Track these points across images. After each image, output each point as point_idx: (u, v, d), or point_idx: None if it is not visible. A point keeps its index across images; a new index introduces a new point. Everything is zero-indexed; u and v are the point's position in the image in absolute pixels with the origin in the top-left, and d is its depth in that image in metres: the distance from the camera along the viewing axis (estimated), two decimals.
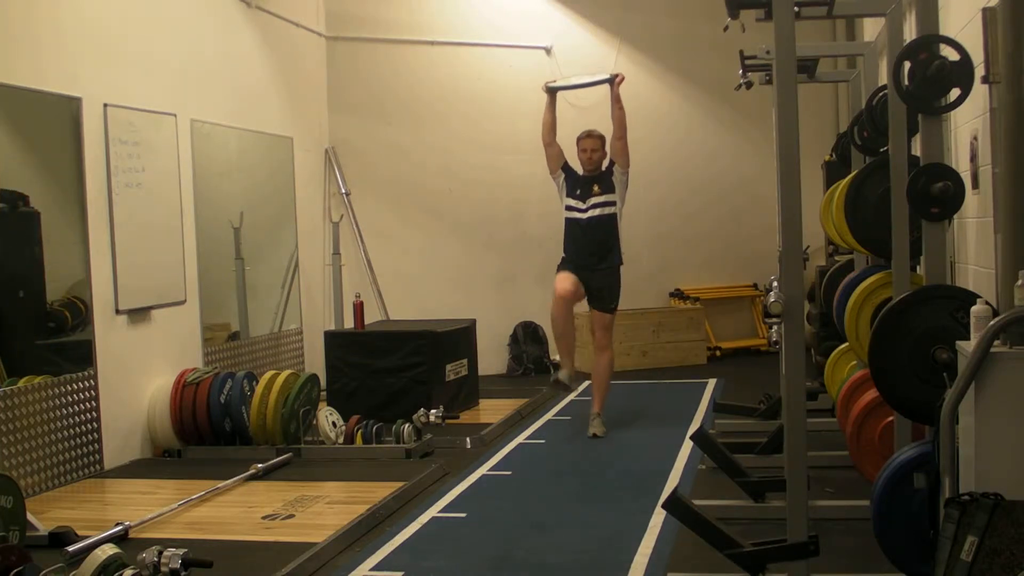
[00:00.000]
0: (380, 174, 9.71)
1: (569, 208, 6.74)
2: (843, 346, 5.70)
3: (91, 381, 5.91)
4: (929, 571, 2.84)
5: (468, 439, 6.47)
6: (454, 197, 9.78)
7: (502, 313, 9.63)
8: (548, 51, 9.71)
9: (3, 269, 5.74)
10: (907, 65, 3.47)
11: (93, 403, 5.91)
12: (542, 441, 6.58)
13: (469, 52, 9.77)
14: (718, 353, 9.89)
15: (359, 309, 7.63)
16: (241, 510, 4.97)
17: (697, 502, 3.87)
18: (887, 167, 4.21)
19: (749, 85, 5.79)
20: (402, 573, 4.07)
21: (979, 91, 3.49)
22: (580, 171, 6.78)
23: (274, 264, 8.49)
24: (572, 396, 8.09)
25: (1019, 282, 2.78)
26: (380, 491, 5.10)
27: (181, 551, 3.61)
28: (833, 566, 3.65)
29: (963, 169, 4.37)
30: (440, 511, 4.96)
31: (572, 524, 4.69)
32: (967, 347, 2.82)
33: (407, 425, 6.08)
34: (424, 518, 4.83)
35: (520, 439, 6.65)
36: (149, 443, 6.40)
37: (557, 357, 9.59)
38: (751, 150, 9.88)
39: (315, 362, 8.35)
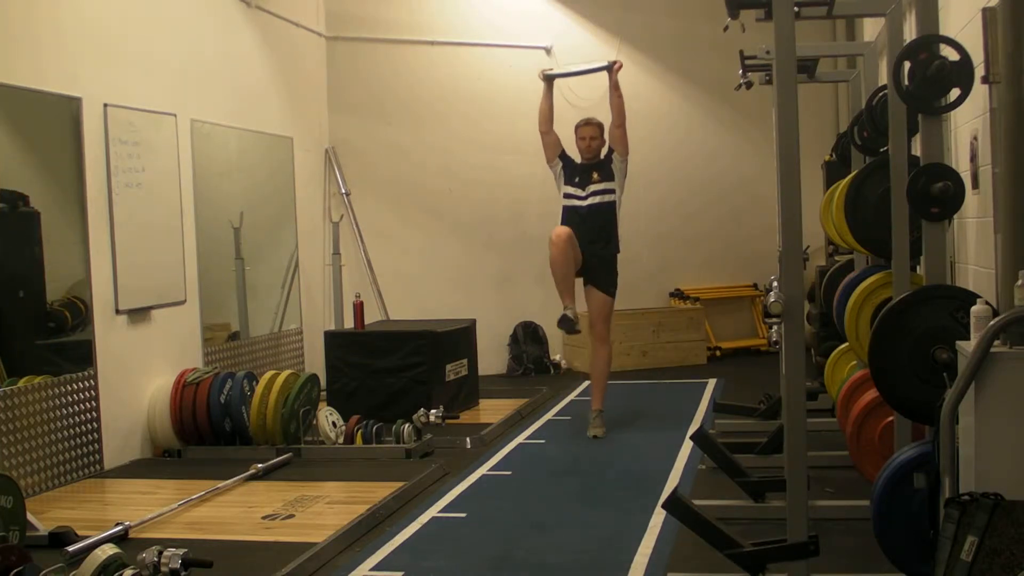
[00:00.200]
0: (380, 174, 9.71)
1: (568, 196, 6.71)
2: (843, 346, 5.70)
3: (91, 381, 5.91)
4: (929, 571, 2.84)
5: (468, 439, 6.47)
6: (454, 197, 9.78)
7: (502, 313, 9.63)
8: (548, 51, 9.71)
9: (3, 269, 5.74)
10: (907, 65, 3.48)
11: (93, 403, 5.91)
12: (542, 441, 6.58)
13: (469, 52, 9.77)
14: (718, 353, 9.89)
15: (359, 309, 7.63)
16: (241, 510, 4.97)
17: (697, 502, 3.87)
18: (887, 167, 4.21)
19: (749, 85, 5.79)
20: (402, 573, 4.07)
21: (979, 91, 3.49)
22: (578, 159, 6.77)
23: (274, 264, 8.49)
24: (572, 396, 8.09)
25: (1019, 282, 2.78)
26: (380, 491, 5.10)
27: (181, 551, 3.62)
28: (833, 566, 3.65)
29: (963, 169, 4.37)
30: (440, 511, 4.96)
31: (572, 524, 4.69)
32: (967, 347, 2.82)
33: (407, 425, 6.08)
34: (424, 518, 4.83)
35: (520, 439, 6.65)
36: (149, 443, 6.40)
37: (557, 356, 9.68)
38: (751, 150, 9.88)
39: (315, 362, 8.35)
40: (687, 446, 5.95)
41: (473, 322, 8.06)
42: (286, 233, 8.63)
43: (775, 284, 3.77)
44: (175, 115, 6.84)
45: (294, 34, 8.90)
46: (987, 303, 2.98)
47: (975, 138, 4.22)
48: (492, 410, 7.52)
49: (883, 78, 4.83)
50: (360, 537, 4.51)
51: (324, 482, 5.48)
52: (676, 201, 10.07)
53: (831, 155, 7.39)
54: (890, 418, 4.15)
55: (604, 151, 6.73)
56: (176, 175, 6.84)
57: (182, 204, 6.89)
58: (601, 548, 4.29)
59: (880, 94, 4.64)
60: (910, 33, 4.24)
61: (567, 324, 6.42)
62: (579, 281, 6.71)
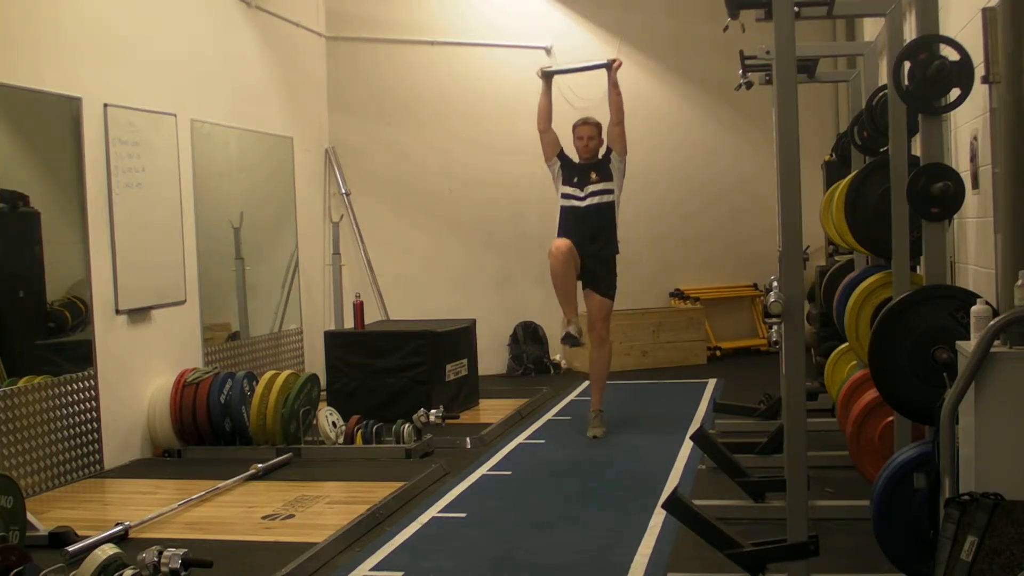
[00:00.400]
0: (380, 174, 9.71)
1: (566, 196, 6.65)
2: (843, 346, 5.70)
3: (91, 381, 5.91)
4: (929, 571, 2.84)
5: (468, 439, 6.46)
6: (454, 197, 9.78)
7: (502, 313, 9.63)
8: (548, 51, 9.71)
9: (3, 269, 5.74)
10: (907, 65, 3.48)
11: (93, 403, 5.91)
12: (542, 441, 6.58)
13: (469, 52, 9.77)
14: (718, 353, 9.89)
15: (359, 309, 7.63)
16: (241, 510, 4.97)
17: (697, 502, 3.87)
18: (887, 167, 4.21)
19: (749, 85, 5.79)
20: (402, 573, 4.07)
21: (979, 91, 3.49)
22: (576, 159, 6.72)
23: (274, 264, 8.49)
24: (572, 396, 8.09)
25: (1019, 282, 2.79)
26: (380, 491, 5.10)
27: (181, 551, 3.62)
28: (833, 566, 3.65)
29: (963, 169, 4.37)
30: (440, 511, 4.96)
31: (572, 524, 4.69)
32: (967, 347, 2.82)
33: (407, 425, 6.08)
34: (424, 518, 4.83)
35: (520, 439, 6.65)
36: (149, 443, 6.41)
37: (557, 356, 9.67)
38: (751, 150, 9.88)
39: (315, 362, 8.35)
40: (687, 446, 5.95)
41: (473, 322, 8.06)
42: (286, 233, 8.63)
43: (775, 284, 3.77)
44: (175, 115, 6.84)
45: (294, 34, 8.90)
46: (987, 303, 2.98)
47: (975, 138, 4.22)
48: (492, 410, 7.52)
49: (883, 78, 4.83)
50: (360, 537, 4.51)
51: (324, 482, 5.48)
52: (676, 201, 10.07)
53: (831, 155, 7.39)
54: (890, 418, 4.15)
55: (602, 151, 6.69)
56: (176, 175, 6.84)
57: (182, 204, 6.89)
58: (601, 548, 4.29)
59: (880, 94, 4.64)
60: (910, 33, 4.24)
61: (571, 340, 6.40)
62: (578, 283, 6.70)
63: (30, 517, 4.32)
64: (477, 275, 9.76)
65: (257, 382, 6.32)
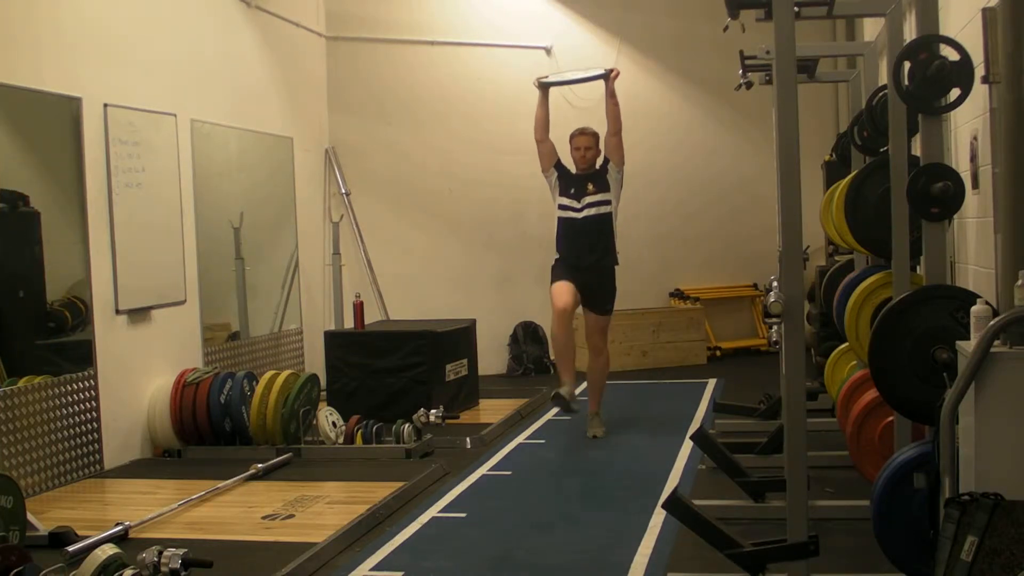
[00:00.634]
0: (380, 174, 9.71)
1: (563, 207, 6.57)
2: (843, 346, 5.70)
3: (91, 381, 5.91)
4: (929, 571, 2.84)
5: (468, 439, 6.46)
6: (454, 197, 9.78)
7: (502, 313, 9.63)
8: (548, 51, 9.71)
9: (3, 269, 5.74)
10: (907, 65, 3.47)
11: (93, 403, 5.91)
12: (542, 441, 6.58)
13: (469, 52, 9.77)
14: (718, 353, 9.89)
15: (359, 309, 7.63)
16: (241, 510, 4.97)
17: (697, 502, 3.87)
18: (887, 167, 4.21)
19: (749, 85, 5.79)
20: (402, 573, 4.07)
21: (979, 91, 3.49)
22: (573, 169, 6.64)
23: (274, 264, 8.49)
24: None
25: (1019, 282, 2.79)
26: (380, 491, 5.10)
27: (181, 551, 3.61)
28: (833, 566, 3.65)
29: (963, 169, 4.37)
30: (440, 511, 4.96)
31: (572, 524, 4.69)
32: (967, 347, 2.82)
33: (407, 425, 6.08)
34: (424, 518, 4.83)
35: (520, 439, 6.65)
36: (149, 443, 6.41)
37: None
38: (751, 150, 9.88)
39: (315, 362, 8.35)
40: (687, 446, 5.95)
41: (473, 322, 8.06)
42: (286, 233, 8.63)
43: (775, 284, 3.77)
44: (175, 115, 6.84)
45: (294, 34, 8.90)
46: (987, 303, 2.98)
47: (975, 138, 4.22)
48: (492, 410, 7.52)
49: (883, 78, 4.83)
50: (360, 537, 4.51)
51: (324, 482, 5.48)
52: (676, 201, 10.07)
53: (831, 155, 7.39)
54: (890, 418, 4.15)
55: (600, 161, 6.59)
56: (176, 175, 6.84)
57: (182, 204, 6.89)
58: (601, 548, 4.29)
59: (880, 94, 4.64)
60: (910, 33, 4.24)
61: (560, 403, 6.25)
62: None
63: (30, 517, 4.32)
64: (477, 275, 9.76)
65: (257, 382, 6.32)
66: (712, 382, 8.49)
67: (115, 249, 6.14)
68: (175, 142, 6.84)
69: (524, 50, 9.66)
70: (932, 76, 3.42)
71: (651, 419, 7.15)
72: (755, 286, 10.14)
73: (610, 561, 4.10)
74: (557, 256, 6.63)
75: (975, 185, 4.22)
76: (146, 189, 6.46)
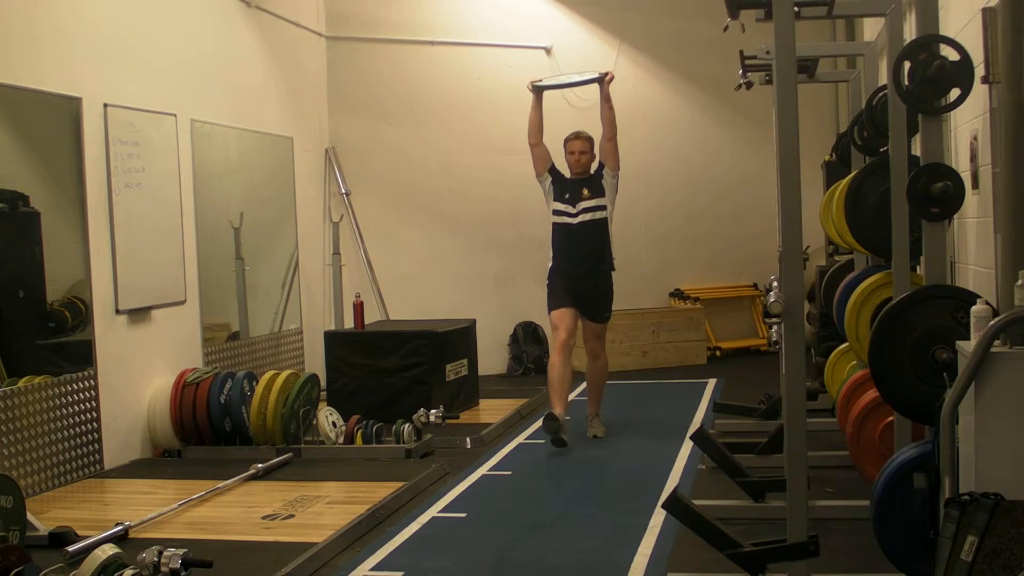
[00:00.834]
0: (380, 174, 9.71)
1: (557, 213, 6.47)
2: (843, 346, 5.70)
3: (91, 381, 5.91)
4: (929, 571, 2.84)
5: (468, 439, 6.47)
6: (454, 197, 9.78)
7: (502, 313, 9.63)
8: (548, 51, 9.71)
9: (3, 269, 5.73)
10: (907, 65, 3.47)
11: (93, 403, 5.91)
12: (542, 441, 6.56)
13: (469, 52, 9.77)
14: (718, 353, 9.89)
15: (359, 309, 7.63)
16: (241, 510, 4.97)
17: (697, 502, 3.87)
18: (887, 167, 4.21)
19: (749, 85, 5.79)
20: (402, 573, 4.07)
21: (979, 91, 3.49)
22: (568, 174, 6.56)
23: (274, 264, 8.49)
24: (573, 396, 8.06)
25: (1019, 282, 2.79)
26: (380, 491, 5.10)
27: (181, 551, 3.61)
28: (833, 566, 3.65)
29: (963, 169, 4.37)
30: (440, 511, 4.96)
31: (572, 524, 4.69)
32: (967, 347, 2.82)
33: (407, 425, 6.08)
34: (424, 518, 4.83)
35: (520, 439, 6.65)
36: (149, 443, 6.40)
37: None
38: (751, 150, 9.88)
39: (315, 362, 8.35)
40: (687, 446, 5.95)
41: (473, 322, 8.06)
42: (286, 233, 8.63)
43: (775, 284, 3.77)
44: (175, 115, 6.84)
45: (294, 34, 8.91)
46: (987, 303, 2.98)
47: (975, 138, 4.22)
48: (492, 410, 7.52)
49: (883, 78, 4.83)
50: (360, 537, 4.51)
51: (324, 482, 5.48)
52: (676, 201, 10.07)
53: (831, 155, 7.39)
54: (890, 418, 4.15)
55: (594, 166, 6.51)
56: (176, 175, 6.84)
57: (182, 204, 6.89)
58: (601, 548, 4.29)
59: (880, 94, 4.65)
60: (910, 33, 4.24)
61: (552, 425, 6.01)
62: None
63: (30, 517, 4.32)
64: (477, 275, 9.76)
65: (257, 382, 6.32)
66: (712, 382, 8.49)
67: (115, 249, 6.14)
68: (175, 142, 6.84)
69: (524, 50, 9.66)
70: (932, 76, 3.42)
71: (651, 419, 7.15)
72: (755, 286, 10.14)
73: (610, 561, 4.10)
74: (552, 264, 6.53)
75: (975, 185, 4.22)
76: (146, 189, 6.46)
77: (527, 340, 9.72)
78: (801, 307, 3.32)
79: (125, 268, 6.20)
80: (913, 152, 4.24)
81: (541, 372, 9.48)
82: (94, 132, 6.01)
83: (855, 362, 5.33)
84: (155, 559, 3.58)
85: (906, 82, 3.50)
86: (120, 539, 4.32)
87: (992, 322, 2.72)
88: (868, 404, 4.33)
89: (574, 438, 6.53)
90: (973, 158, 4.27)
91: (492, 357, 9.39)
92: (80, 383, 5.83)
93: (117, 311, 6.18)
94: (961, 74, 3.42)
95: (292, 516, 4.79)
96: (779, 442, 4.59)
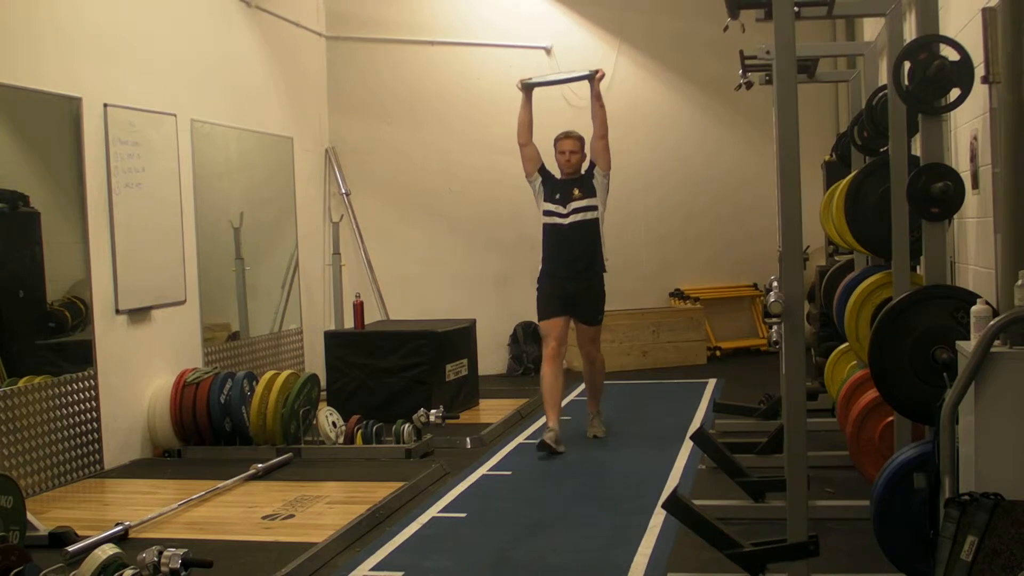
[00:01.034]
0: (380, 174, 9.71)
1: (548, 213, 6.34)
2: (843, 346, 5.70)
3: (91, 381, 5.91)
4: (929, 571, 2.84)
5: (468, 439, 6.47)
6: (454, 197, 9.78)
7: (502, 313, 9.63)
8: (548, 51, 9.71)
9: (3, 269, 5.73)
10: (907, 65, 3.47)
11: (93, 403, 5.91)
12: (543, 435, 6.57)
13: (469, 52, 9.77)
14: (718, 353, 9.89)
15: (359, 309, 7.63)
16: (241, 510, 4.97)
17: (697, 502, 3.87)
18: (887, 167, 4.21)
19: (749, 85, 5.79)
20: (402, 573, 4.07)
21: (979, 91, 3.49)
22: (558, 174, 6.42)
23: (274, 264, 8.49)
24: (572, 396, 8.09)
25: (1019, 282, 2.79)
26: (380, 491, 5.10)
27: (181, 551, 3.61)
28: (833, 566, 3.65)
29: (963, 169, 4.37)
30: (440, 511, 4.96)
31: (572, 524, 4.69)
32: (967, 347, 2.82)
33: (407, 425, 6.08)
34: (424, 518, 4.83)
35: (520, 439, 6.65)
36: (149, 443, 6.40)
37: None
38: (751, 150, 9.88)
39: (315, 362, 8.35)
40: (687, 446, 5.95)
41: (473, 322, 8.06)
42: (286, 233, 8.63)
43: (775, 284, 3.77)
44: (175, 115, 6.84)
45: (294, 34, 8.91)
46: (987, 303, 2.98)
47: (975, 138, 4.22)
48: (492, 410, 7.52)
49: (883, 78, 4.83)
50: (360, 537, 4.51)
51: (324, 482, 5.48)
52: (676, 201, 10.07)
53: (831, 155, 7.39)
54: (890, 418, 4.15)
55: (585, 166, 6.38)
56: (176, 175, 6.84)
57: (182, 204, 6.89)
58: (601, 548, 4.29)
59: (880, 94, 4.65)
60: (910, 33, 4.24)
61: (547, 450, 5.97)
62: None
63: (30, 517, 4.32)
64: (477, 275, 9.76)
65: (257, 382, 6.32)
66: (712, 382, 8.48)
67: (115, 249, 6.14)
68: (175, 142, 6.84)
69: (524, 50, 9.65)
70: (932, 76, 3.42)
71: (651, 419, 7.15)
72: (755, 286, 10.14)
73: (610, 561, 4.10)
74: (542, 267, 6.44)
75: (975, 185, 4.22)
76: (146, 189, 6.46)
77: (527, 340, 9.72)
78: (801, 307, 3.32)
79: (125, 268, 6.20)
80: (913, 152, 4.24)
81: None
82: (94, 132, 6.01)
83: (855, 362, 5.33)
84: (155, 559, 3.58)
85: (906, 82, 3.50)
86: (120, 539, 4.32)
87: (992, 322, 2.72)
88: (868, 404, 4.32)
89: (574, 438, 6.54)
90: (973, 158, 4.27)
91: (492, 357, 9.39)
92: (80, 383, 5.83)
93: (117, 311, 6.18)
94: (961, 74, 3.42)
95: (292, 516, 4.79)
96: (779, 442, 4.59)
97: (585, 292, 6.38)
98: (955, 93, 3.48)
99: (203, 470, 5.75)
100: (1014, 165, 3.00)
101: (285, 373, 6.39)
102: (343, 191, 9.45)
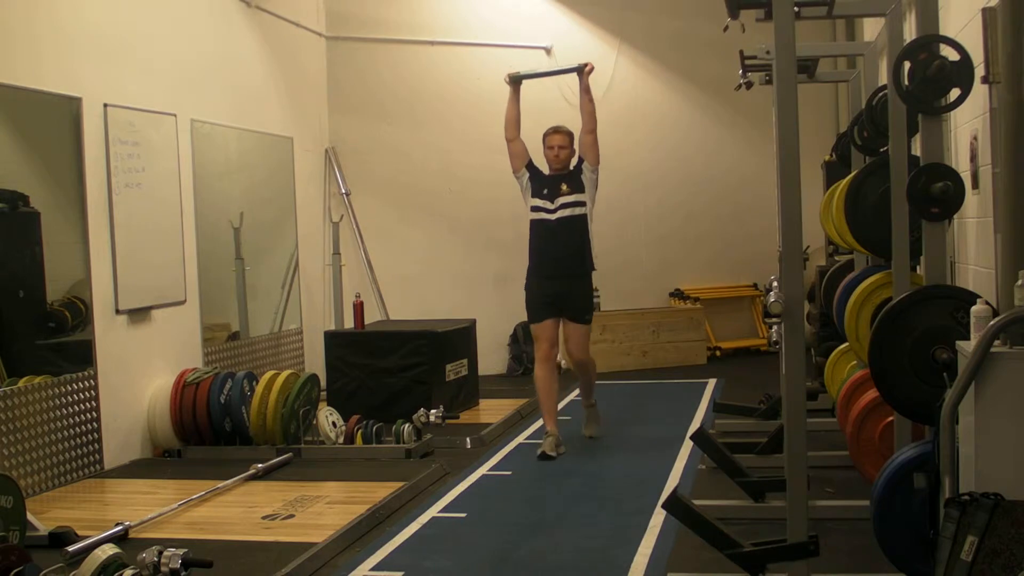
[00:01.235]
0: (380, 174, 9.71)
1: (535, 209, 6.21)
2: (843, 346, 5.70)
3: (91, 381, 5.91)
4: (929, 571, 2.84)
5: (468, 439, 6.47)
6: (454, 197, 9.78)
7: (502, 313, 9.62)
8: (548, 51, 9.71)
9: (3, 269, 5.74)
10: (907, 65, 3.47)
11: (93, 403, 5.91)
12: (542, 441, 6.57)
13: (469, 52, 9.77)
14: (718, 353, 9.89)
15: (359, 309, 7.63)
16: (241, 510, 4.97)
17: (697, 502, 3.87)
18: (887, 167, 4.21)
19: (749, 85, 5.78)
20: (402, 573, 4.07)
21: (979, 91, 3.49)
22: (546, 170, 6.29)
23: (274, 264, 8.49)
24: (572, 396, 8.09)
25: (1019, 282, 2.79)
26: (380, 491, 5.10)
27: (181, 551, 3.61)
28: (833, 566, 3.65)
29: (963, 169, 4.37)
30: (440, 511, 4.96)
31: (572, 524, 4.69)
32: (967, 347, 2.82)
33: (407, 425, 6.08)
34: (424, 518, 4.83)
35: (520, 439, 6.65)
36: (149, 443, 6.40)
37: (557, 356, 9.64)
38: (751, 150, 9.88)
39: (315, 362, 8.35)
40: (687, 446, 5.95)
41: (473, 322, 8.06)
42: (286, 233, 8.63)
43: (775, 284, 3.77)
44: (175, 115, 6.84)
45: (294, 34, 8.91)
46: (987, 303, 2.98)
47: (975, 138, 4.22)
48: (492, 410, 7.52)
49: (883, 78, 4.83)
50: (360, 537, 4.51)
51: (324, 482, 5.48)
52: (676, 202, 10.07)
53: (831, 155, 7.39)
54: (890, 418, 4.15)
55: (574, 161, 6.26)
56: (176, 175, 6.84)
57: (182, 204, 6.89)
58: (601, 548, 4.29)
59: (880, 94, 4.65)
60: (910, 33, 4.24)
61: (546, 459, 5.94)
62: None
63: (30, 517, 4.32)
64: (477, 275, 9.76)
65: (257, 382, 6.32)
66: (712, 382, 8.48)
67: (115, 249, 6.14)
68: (175, 142, 6.84)
69: (524, 50, 9.65)
70: (932, 76, 3.42)
71: (651, 419, 7.15)
72: (755, 286, 10.13)
73: (610, 561, 4.10)
74: (529, 264, 6.31)
75: (975, 185, 4.22)
76: (146, 189, 6.46)
77: (527, 340, 9.70)
78: (801, 307, 3.32)
79: (125, 268, 6.20)
80: (913, 152, 4.24)
81: None
82: (94, 132, 6.01)
83: (855, 362, 5.33)
84: (155, 559, 3.58)
85: (906, 82, 3.50)
86: (120, 539, 4.32)
87: (992, 322, 2.72)
88: (868, 404, 4.33)
89: (574, 438, 6.54)
90: (973, 158, 4.27)
91: (492, 357, 9.39)
92: (80, 383, 5.83)
93: (117, 311, 6.18)
94: (961, 74, 3.42)
95: (292, 516, 4.79)
96: (779, 442, 4.59)
97: (573, 290, 6.23)
98: (955, 93, 3.48)
99: (203, 470, 5.75)
100: (1014, 165, 3.00)
101: (285, 373, 6.39)
102: (343, 191, 9.45)
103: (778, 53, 3.31)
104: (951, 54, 3.45)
